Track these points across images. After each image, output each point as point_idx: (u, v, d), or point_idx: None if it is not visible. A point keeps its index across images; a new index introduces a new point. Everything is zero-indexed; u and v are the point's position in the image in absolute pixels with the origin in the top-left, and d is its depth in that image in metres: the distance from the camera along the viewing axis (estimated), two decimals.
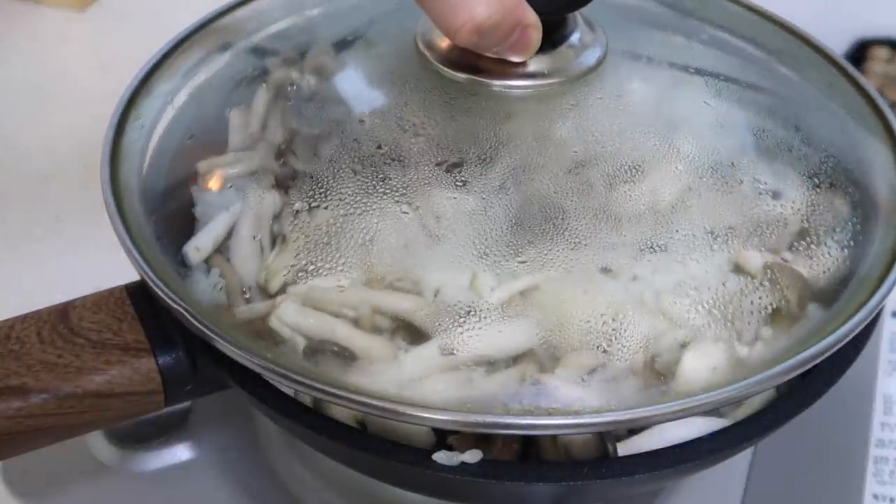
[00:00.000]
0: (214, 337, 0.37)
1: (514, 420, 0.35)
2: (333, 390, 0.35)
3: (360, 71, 0.46)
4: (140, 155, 0.43)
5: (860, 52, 0.74)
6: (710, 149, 0.42)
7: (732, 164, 0.42)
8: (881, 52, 0.74)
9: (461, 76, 0.42)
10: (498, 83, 0.42)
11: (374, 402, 0.35)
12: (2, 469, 0.48)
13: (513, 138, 0.41)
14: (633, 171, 0.40)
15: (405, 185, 0.40)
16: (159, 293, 0.37)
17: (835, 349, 0.38)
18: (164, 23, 0.51)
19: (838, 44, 0.73)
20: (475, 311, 0.37)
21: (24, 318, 0.39)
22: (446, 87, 0.42)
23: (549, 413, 0.35)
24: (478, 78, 0.42)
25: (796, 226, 0.41)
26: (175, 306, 0.37)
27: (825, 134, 0.44)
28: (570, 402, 0.36)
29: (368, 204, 0.39)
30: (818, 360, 0.37)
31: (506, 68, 0.42)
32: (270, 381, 0.37)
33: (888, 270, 0.40)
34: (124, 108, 0.44)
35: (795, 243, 0.40)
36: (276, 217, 0.40)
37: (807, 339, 0.38)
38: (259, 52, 0.47)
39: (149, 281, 0.38)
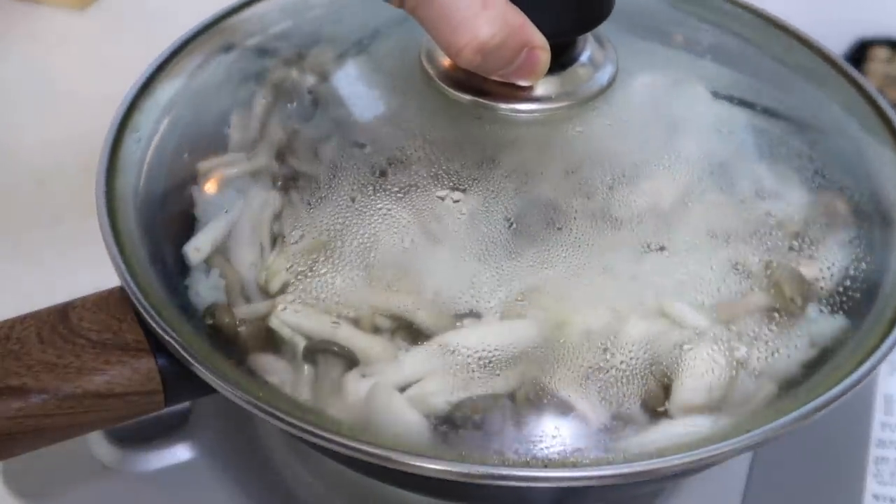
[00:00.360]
0: (193, 362, 0.37)
1: (509, 472, 0.35)
2: (318, 431, 0.35)
3: (361, 89, 0.44)
4: (139, 161, 0.43)
5: (860, 52, 0.74)
6: (712, 151, 0.42)
7: (734, 165, 0.41)
8: (881, 52, 0.74)
9: (465, 97, 0.41)
10: (504, 106, 0.41)
11: (366, 448, 0.35)
12: (2, 469, 0.48)
13: (518, 167, 0.40)
14: (635, 173, 0.40)
15: (406, 190, 0.39)
16: (152, 324, 0.37)
17: (871, 375, 0.38)
18: (165, 23, 0.51)
19: (838, 44, 0.73)
20: (475, 311, 0.37)
21: (24, 318, 0.39)
22: (450, 108, 0.41)
23: (545, 465, 0.35)
24: (483, 100, 0.41)
25: (797, 227, 0.41)
26: (167, 338, 0.37)
27: (830, 140, 0.44)
28: (570, 406, 0.36)
29: (369, 205, 0.39)
30: (857, 386, 0.37)
31: (512, 91, 0.40)
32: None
33: None
34: (122, 117, 0.44)
35: (796, 245, 0.40)
36: (276, 217, 0.40)
37: (813, 345, 0.38)
38: (261, 55, 0.47)
39: (141, 309, 0.38)
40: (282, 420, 0.35)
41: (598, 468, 0.35)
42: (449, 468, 0.35)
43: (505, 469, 0.35)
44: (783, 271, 0.39)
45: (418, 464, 0.35)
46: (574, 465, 0.35)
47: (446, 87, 0.41)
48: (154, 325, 0.37)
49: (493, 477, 0.35)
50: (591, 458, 0.35)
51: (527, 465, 0.35)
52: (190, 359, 0.37)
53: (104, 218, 0.40)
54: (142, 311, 0.38)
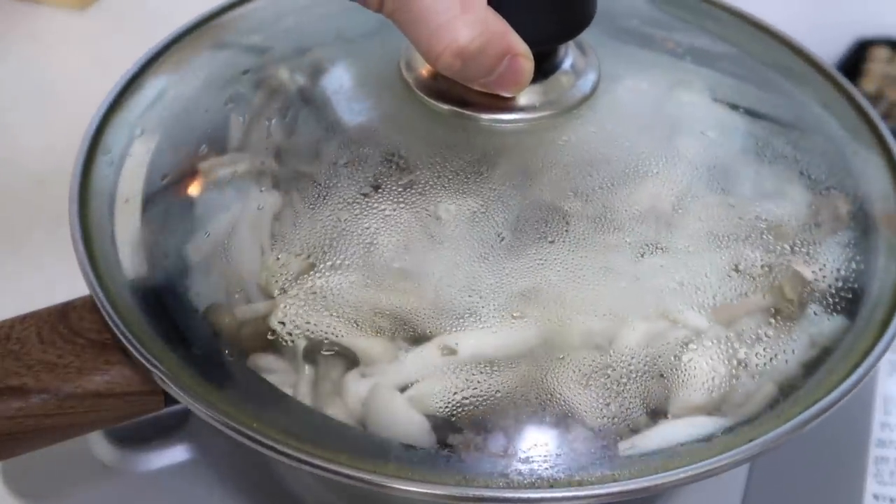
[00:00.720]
0: (180, 391, 0.37)
1: (516, 494, 0.35)
2: (315, 462, 0.35)
3: (341, 97, 0.43)
4: (114, 174, 0.43)
5: (860, 52, 0.74)
6: (700, 154, 0.41)
7: (724, 167, 0.41)
8: (881, 52, 0.74)
9: (445, 107, 0.40)
10: (486, 117, 0.40)
11: (366, 477, 0.35)
12: (2, 469, 0.48)
13: (504, 177, 0.39)
14: (625, 179, 0.40)
15: (405, 190, 0.39)
16: (136, 355, 0.37)
17: (867, 378, 0.38)
18: (164, 22, 0.51)
19: (838, 44, 0.73)
20: (475, 311, 0.37)
21: (24, 318, 0.39)
22: (431, 119, 0.40)
23: (551, 486, 0.35)
24: (464, 111, 0.40)
25: (794, 228, 0.41)
26: (150, 367, 0.37)
27: (816, 141, 0.44)
28: (570, 409, 0.36)
29: (369, 205, 0.39)
30: (854, 390, 0.38)
31: (494, 101, 0.40)
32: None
33: None
34: (99, 121, 0.44)
35: (795, 246, 0.40)
36: (276, 217, 0.40)
37: (813, 345, 0.38)
38: (243, 59, 0.47)
39: (124, 341, 0.38)
40: (276, 451, 0.35)
41: (603, 486, 0.35)
42: (454, 493, 0.35)
43: (510, 492, 0.35)
44: (782, 272, 0.39)
45: (422, 490, 0.35)
46: (580, 485, 0.35)
47: (426, 98, 0.41)
48: (137, 354, 0.37)
49: (497, 500, 0.35)
50: (596, 475, 0.35)
51: (532, 486, 0.35)
52: (174, 386, 0.37)
53: (77, 237, 0.41)
54: (124, 342, 0.38)
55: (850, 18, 0.75)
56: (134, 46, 0.50)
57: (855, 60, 0.73)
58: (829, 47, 0.49)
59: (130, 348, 0.37)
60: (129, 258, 0.40)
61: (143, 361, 0.37)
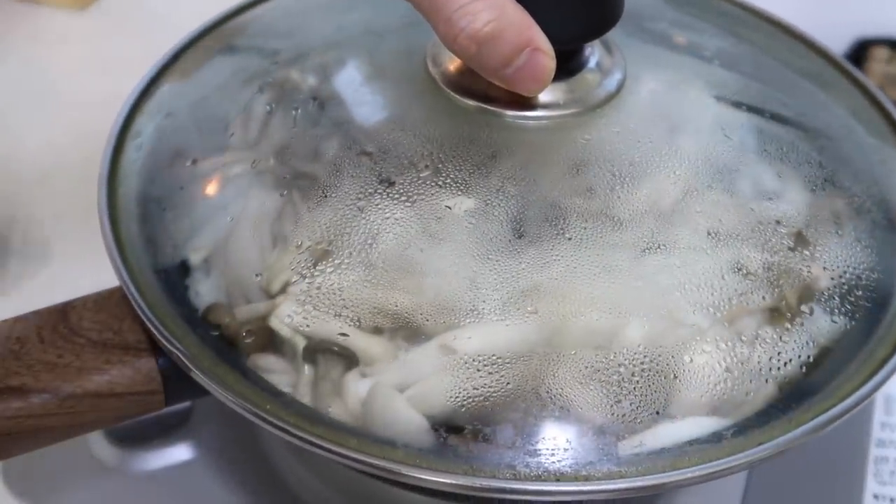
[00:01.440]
0: (198, 373, 0.37)
1: (522, 486, 0.35)
2: (326, 445, 0.35)
3: (366, 92, 0.44)
4: (141, 164, 0.43)
5: (860, 52, 0.74)
6: (722, 158, 0.41)
7: (742, 170, 0.41)
8: (881, 52, 0.74)
9: (471, 103, 0.40)
10: (510, 113, 0.40)
11: (376, 462, 0.35)
12: (2, 469, 0.48)
13: (524, 174, 0.39)
14: (643, 178, 0.40)
15: (411, 196, 0.39)
16: (157, 335, 0.37)
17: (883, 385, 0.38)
18: (164, 23, 0.51)
19: (838, 44, 0.73)
20: (476, 311, 0.37)
21: (24, 318, 0.39)
22: (456, 114, 0.41)
23: (557, 479, 0.35)
24: (489, 107, 0.40)
25: (801, 229, 0.40)
26: (172, 349, 0.37)
27: (837, 145, 0.44)
28: (573, 409, 0.36)
29: (371, 207, 0.39)
30: (868, 398, 0.38)
31: (519, 97, 0.40)
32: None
33: None
34: (124, 120, 0.44)
35: (800, 247, 0.40)
36: (277, 217, 0.40)
37: (815, 346, 0.38)
38: (263, 57, 0.47)
39: (145, 320, 0.38)
40: (290, 433, 0.35)
41: (610, 482, 0.35)
42: (462, 482, 0.35)
43: (517, 483, 0.35)
44: (786, 272, 0.39)
45: (430, 478, 0.35)
46: (586, 479, 0.35)
47: (452, 93, 0.41)
48: (158, 336, 0.37)
49: (504, 491, 0.35)
50: (602, 471, 0.35)
51: (538, 478, 0.35)
52: (195, 369, 0.37)
53: (105, 223, 0.40)
54: (146, 321, 0.38)
55: (850, 18, 0.75)
56: (134, 46, 0.50)
57: (855, 60, 0.73)
58: (830, 47, 0.49)
59: (153, 329, 0.37)
60: (144, 248, 0.41)
61: (166, 343, 0.37)
